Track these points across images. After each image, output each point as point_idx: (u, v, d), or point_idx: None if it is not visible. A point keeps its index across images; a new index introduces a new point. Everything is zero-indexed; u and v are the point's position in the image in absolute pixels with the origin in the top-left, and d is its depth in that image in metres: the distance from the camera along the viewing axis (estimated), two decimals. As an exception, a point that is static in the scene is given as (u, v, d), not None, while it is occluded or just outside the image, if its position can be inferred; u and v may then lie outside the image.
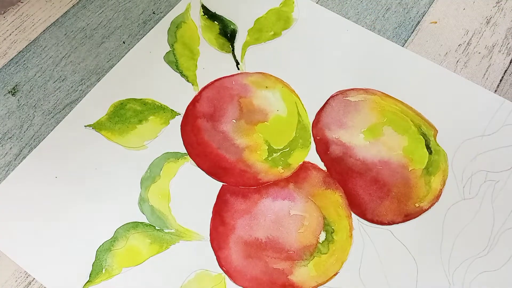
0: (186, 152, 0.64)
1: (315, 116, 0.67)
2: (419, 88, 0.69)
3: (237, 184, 0.63)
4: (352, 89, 0.69)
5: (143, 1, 0.77)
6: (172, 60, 0.71)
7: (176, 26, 0.74)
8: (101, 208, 0.61)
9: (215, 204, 0.62)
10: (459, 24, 0.76)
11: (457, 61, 0.72)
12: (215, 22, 0.75)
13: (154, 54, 0.72)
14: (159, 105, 0.67)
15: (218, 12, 0.75)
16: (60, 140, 0.65)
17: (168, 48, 0.72)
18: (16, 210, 0.61)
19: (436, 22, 0.75)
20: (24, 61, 0.71)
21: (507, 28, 0.75)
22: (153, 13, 0.76)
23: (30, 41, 0.73)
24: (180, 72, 0.70)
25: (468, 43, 0.74)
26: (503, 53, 0.73)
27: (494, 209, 0.61)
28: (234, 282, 0.58)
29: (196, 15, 0.75)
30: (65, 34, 0.74)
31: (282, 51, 0.73)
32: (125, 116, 0.67)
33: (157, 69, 0.70)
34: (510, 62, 0.72)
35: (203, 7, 0.76)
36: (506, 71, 0.71)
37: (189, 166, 0.64)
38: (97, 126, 0.66)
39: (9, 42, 0.72)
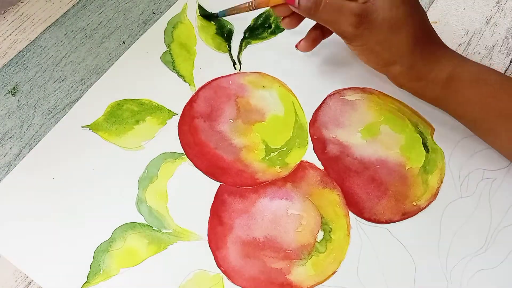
0: (183, 152, 0.65)
1: (312, 115, 0.67)
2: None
3: (234, 184, 0.63)
4: (349, 88, 0.69)
5: (143, 1, 0.77)
6: (169, 60, 0.71)
7: (172, 26, 0.74)
8: (99, 209, 0.62)
9: (212, 204, 0.62)
10: (459, 24, 0.76)
11: (457, 61, 0.72)
12: (212, 22, 0.75)
13: (150, 54, 0.72)
14: (156, 105, 0.68)
15: (214, 12, 0.75)
16: (57, 141, 0.65)
17: (165, 48, 0.72)
18: (13, 211, 0.61)
19: (436, 22, 0.75)
20: (24, 61, 0.71)
21: (507, 28, 0.75)
22: (153, 13, 0.76)
23: (30, 41, 0.73)
24: (177, 72, 0.70)
25: (468, 43, 0.74)
26: (503, 53, 0.73)
27: (491, 207, 0.61)
28: (232, 282, 0.58)
29: (192, 15, 0.75)
30: (65, 34, 0.74)
31: (279, 51, 0.73)
32: (122, 116, 0.67)
33: (154, 70, 0.71)
34: (510, 62, 0.72)
35: (200, 7, 0.76)
36: (506, 71, 0.71)
37: (186, 166, 0.64)
38: (94, 127, 0.66)
39: (9, 42, 0.73)
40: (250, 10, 0.67)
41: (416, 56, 0.59)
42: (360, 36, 0.58)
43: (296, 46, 0.66)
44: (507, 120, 0.58)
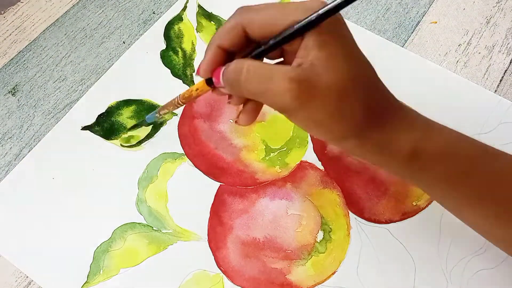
0: (183, 152, 0.65)
1: (313, 115, 0.67)
2: (418, 88, 0.69)
3: (234, 184, 0.63)
4: (349, 88, 0.69)
5: (143, 1, 0.77)
6: (169, 61, 0.71)
7: (172, 26, 0.74)
8: (99, 209, 0.62)
9: (212, 204, 0.62)
10: (459, 24, 0.76)
11: (457, 61, 0.72)
12: (212, 22, 0.75)
13: (150, 54, 0.72)
14: (156, 105, 0.68)
15: (214, 12, 0.76)
16: (57, 141, 0.66)
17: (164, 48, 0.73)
18: (13, 211, 0.62)
19: (436, 22, 0.75)
20: (24, 61, 0.71)
21: (507, 28, 0.75)
22: (153, 13, 0.76)
23: (30, 41, 0.73)
24: (176, 72, 0.71)
25: (468, 43, 0.74)
26: (503, 53, 0.73)
27: (491, 208, 0.61)
28: (232, 282, 0.58)
29: (192, 15, 0.75)
30: (65, 34, 0.74)
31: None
32: (122, 117, 0.67)
33: (154, 70, 0.71)
34: (510, 62, 0.72)
35: (200, 7, 0.76)
36: (506, 71, 0.71)
37: (186, 167, 0.64)
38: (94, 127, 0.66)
39: (9, 42, 0.73)
40: (178, 106, 0.54)
41: (371, 126, 0.45)
42: (301, 109, 0.42)
43: (236, 122, 0.50)
44: (478, 201, 0.49)
